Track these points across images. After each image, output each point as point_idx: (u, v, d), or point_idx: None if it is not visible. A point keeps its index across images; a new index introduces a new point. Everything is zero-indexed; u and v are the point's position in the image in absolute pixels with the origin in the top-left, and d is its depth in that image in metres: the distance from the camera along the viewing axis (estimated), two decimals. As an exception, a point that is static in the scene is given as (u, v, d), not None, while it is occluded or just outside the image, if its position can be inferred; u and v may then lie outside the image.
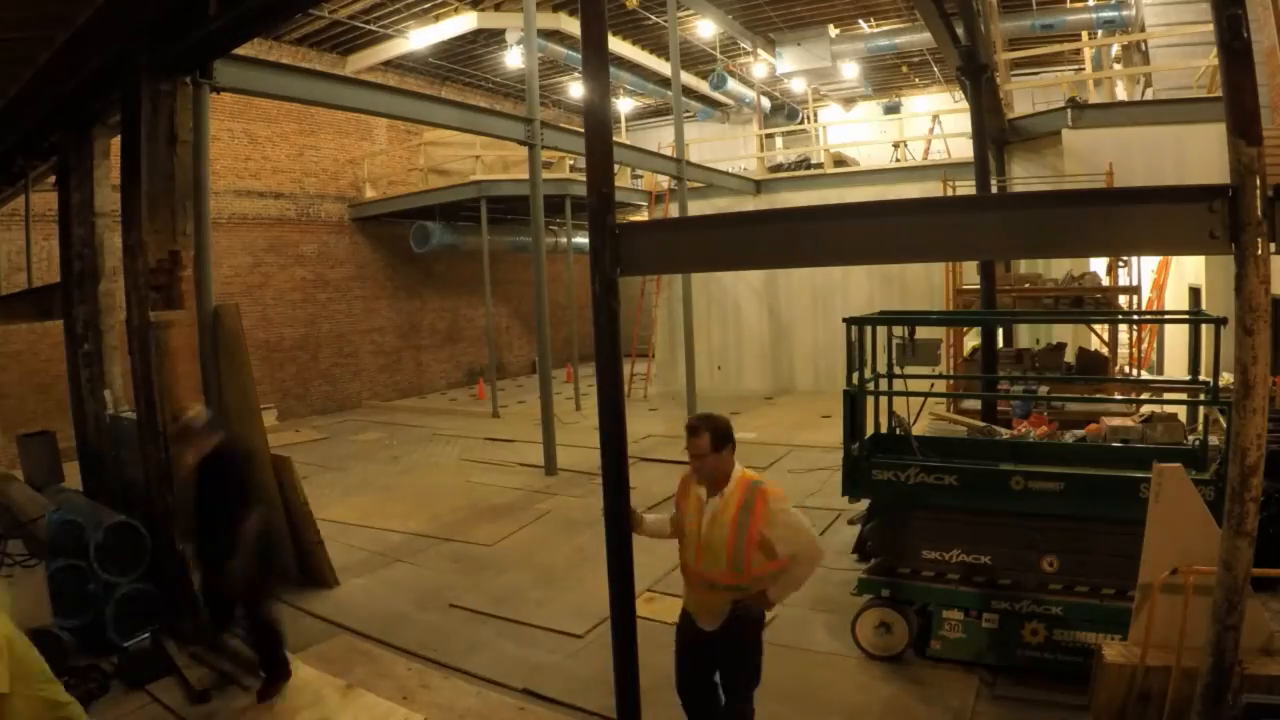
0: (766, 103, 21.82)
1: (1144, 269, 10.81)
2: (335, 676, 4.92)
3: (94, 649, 5.40)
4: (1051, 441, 5.93)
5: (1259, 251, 2.79)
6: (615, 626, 3.88)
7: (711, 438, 3.34)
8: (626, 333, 12.92)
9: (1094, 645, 4.08)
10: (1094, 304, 9.60)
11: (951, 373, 10.56)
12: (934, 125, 18.27)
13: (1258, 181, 2.77)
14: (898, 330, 6.23)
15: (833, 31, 16.88)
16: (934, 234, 3.49)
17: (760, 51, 18.02)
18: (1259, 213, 2.77)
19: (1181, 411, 9.55)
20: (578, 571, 6.74)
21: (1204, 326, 5.12)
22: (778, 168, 18.50)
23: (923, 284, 14.64)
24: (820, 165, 16.94)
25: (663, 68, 17.10)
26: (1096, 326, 9.92)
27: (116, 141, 7.02)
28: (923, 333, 6.62)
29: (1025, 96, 17.35)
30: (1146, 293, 11.20)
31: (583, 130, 3.88)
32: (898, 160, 17.30)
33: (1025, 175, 12.84)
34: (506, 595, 6.39)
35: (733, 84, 18.96)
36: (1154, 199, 3.12)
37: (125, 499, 6.74)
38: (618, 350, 3.79)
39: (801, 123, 21.24)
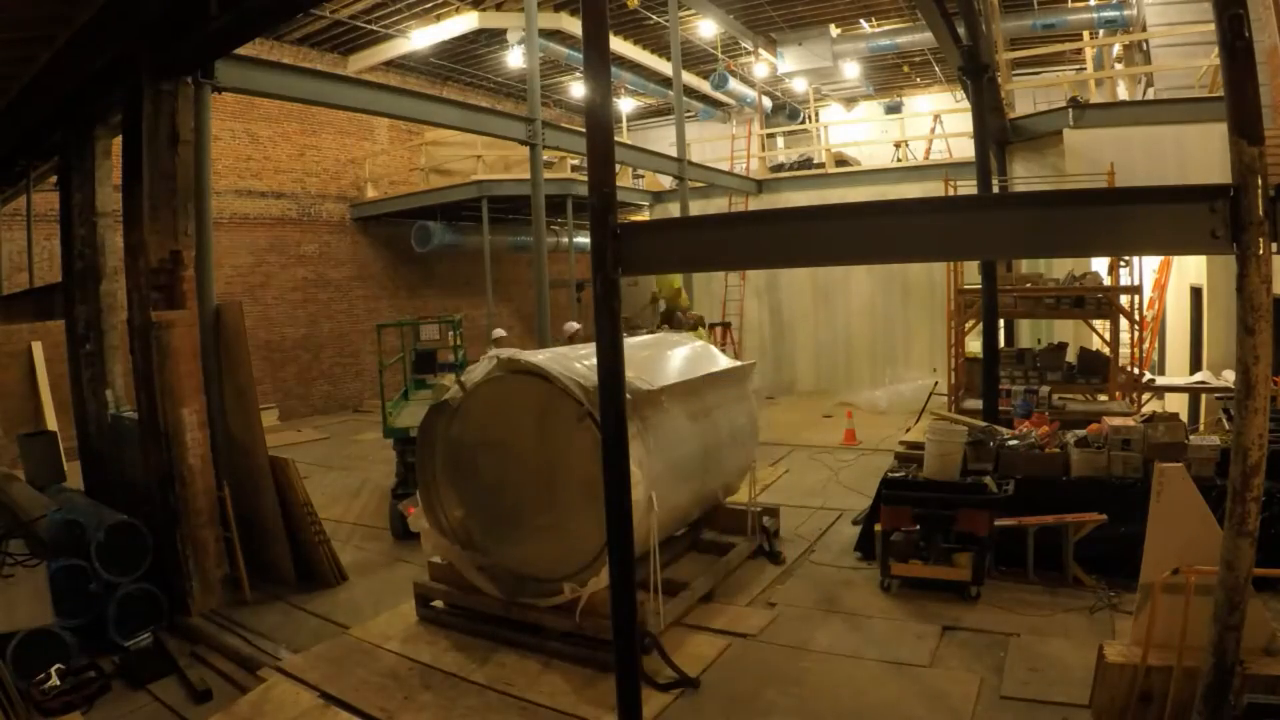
0: (768, 102, 21.82)
1: (1145, 269, 10.79)
2: (313, 690, 4.86)
3: (95, 648, 5.40)
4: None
5: (1260, 251, 2.79)
6: (616, 625, 3.89)
7: None
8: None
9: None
10: (1095, 304, 9.59)
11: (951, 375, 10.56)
12: (935, 125, 18.24)
13: (1259, 181, 2.77)
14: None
15: (834, 31, 16.86)
16: (935, 234, 3.49)
17: (761, 51, 18.00)
18: (1260, 212, 2.77)
19: (1183, 410, 9.56)
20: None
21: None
22: (779, 167, 18.49)
23: (924, 284, 14.63)
24: (822, 165, 16.93)
25: (664, 67, 17.09)
26: (1098, 325, 9.91)
27: (118, 141, 7.04)
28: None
29: (1026, 96, 17.33)
30: (1148, 293, 11.18)
31: (584, 130, 3.88)
32: (899, 160, 17.29)
33: (1027, 175, 12.83)
34: (507, 595, 6.39)
35: (734, 84, 18.95)
36: (1155, 199, 3.12)
37: (127, 498, 6.75)
38: (619, 350, 3.79)
39: (803, 122, 21.24)
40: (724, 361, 7.23)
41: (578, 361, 5.43)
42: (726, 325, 15.05)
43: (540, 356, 5.50)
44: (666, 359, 6.81)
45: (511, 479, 5.60)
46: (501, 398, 5.59)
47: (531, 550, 5.56)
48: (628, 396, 4.93)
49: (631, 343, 6.08)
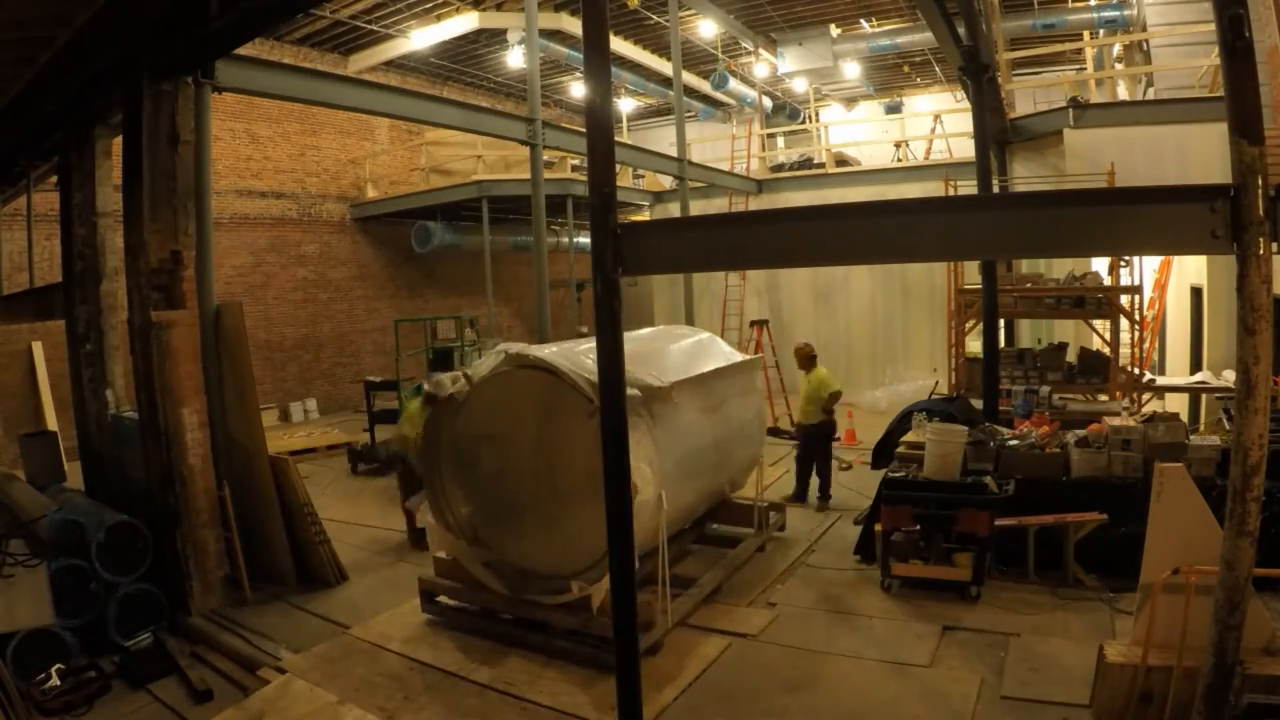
0: (768, 102, 21.81)
1: (1145, 269, 10.79)
2: (326, 689, 4.86)
3: (95, 648, 5.41)
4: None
5: (1260, 251, 2.79)
6: (617, 624, 3.89)
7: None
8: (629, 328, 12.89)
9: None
10: (1095, 304, 9.58)
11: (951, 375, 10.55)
12: (935, 125, 18.23)
13: (1259, 181, 2.77)
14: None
15: (834, 31, 16.85)
16: (935, 234, 3.49)
17: (762, 51, 18.00)
18: (1260, 212, 2.77)
19: (1183, 410, 9.55)
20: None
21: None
22: (779, 167, 18.48)
23: (924, 284, 14.62)
24: (822, 165, 16.93)
25: (664, 67, 17.08)
26: (1098, 325, 9.91)
27: (118, 141, 7.03)
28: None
29: (1027, 96, 17.32)
30: (1148, 293, 11.17)
31: (584, 130, 3.88)
32: (899, 160, 17.28)
33: (1027, 175, 12.81)
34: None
35: (734, 84, 18.95)
36: (1156, 199, 3.12)
37: (127, 498, 6.75)
38: (620, 349, 3.79)
39: (803, 122, 21.23)
40: (731, 355, 7.24)
41: (586, 357, 5.41)
42: (764, 323, 13.68)
43: (548, 351, 5.50)
44: (673, 353, 6.83)
45: (518, 475, 5.59)
46: (508, 393, 5.58)
47: (538, 547, 5.55)
48: (638, 392, 5.02)
49: (637, 335, 6.10)
